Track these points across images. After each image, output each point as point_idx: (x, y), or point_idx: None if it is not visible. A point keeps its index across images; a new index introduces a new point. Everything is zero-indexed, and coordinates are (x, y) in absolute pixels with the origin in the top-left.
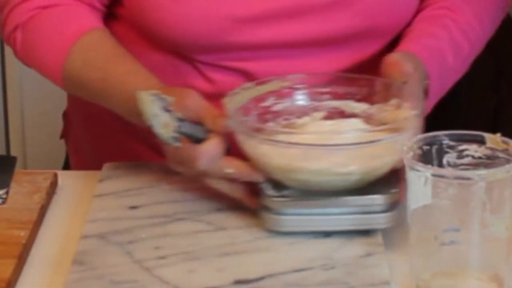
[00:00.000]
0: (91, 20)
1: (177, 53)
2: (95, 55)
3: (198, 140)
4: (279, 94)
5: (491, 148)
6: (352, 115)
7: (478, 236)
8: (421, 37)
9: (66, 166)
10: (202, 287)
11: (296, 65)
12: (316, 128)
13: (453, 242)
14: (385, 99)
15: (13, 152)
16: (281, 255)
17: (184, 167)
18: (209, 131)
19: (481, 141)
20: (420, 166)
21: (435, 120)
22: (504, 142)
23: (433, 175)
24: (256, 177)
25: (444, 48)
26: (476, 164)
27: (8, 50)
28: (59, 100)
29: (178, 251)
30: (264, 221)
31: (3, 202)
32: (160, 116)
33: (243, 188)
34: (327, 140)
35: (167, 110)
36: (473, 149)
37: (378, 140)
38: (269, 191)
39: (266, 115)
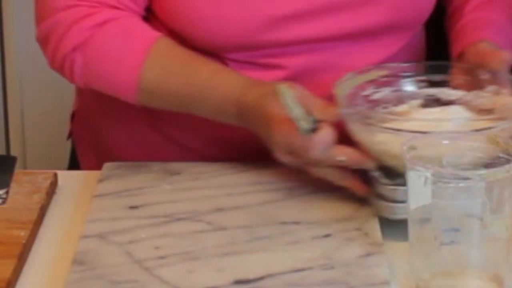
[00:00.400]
0: (151, 29)
1: (207, 52)
2: (172, 63)
3: (307, 130)
4: (377, 83)
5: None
6: (449, 102)
7: (478, 236)
8: (488, 25)
9: (71, 167)
10: (202, 287)
11: (327, 59)
12: (423, 116)
13: (453, 242)
14: (481, 86)
15: (13, 152)
16: (281, 255)
17: (295, 157)
18: (318, 121)
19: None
20: (420, 166)
21: None
22: (504, 142)
23: (433, 175)
24: (368, 164)
25: (509, 31)
26: (476, 164)
27: (8, 50)
28: (59, 100)
29: (178, 251)
30: (379, 209)
31: (3, 202)
32: (298, 109)
33: (352, 176)
34: (433, 128)
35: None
36: None
37: (495, 127)
38: (383, 179)
39: (367, 104)
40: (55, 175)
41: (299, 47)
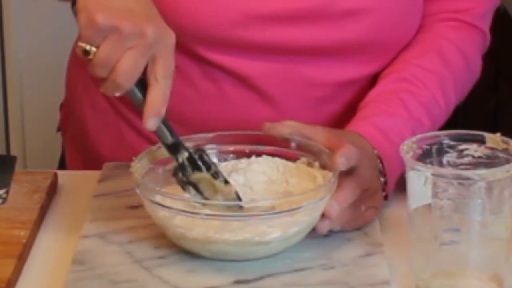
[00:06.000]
0: None
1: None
2: None
3: None
4: None
5: (491, 148)
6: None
7: (478, 236)
8: (375, 116)
9: (62, 160)
10: (202, 287)
11: (296, 72)
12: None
13: (453, 242)
14: (295, 158)
15: (13, 152)
16: (281, 255)
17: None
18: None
19: (481, 141)
20: (420, 165)
21: None
22: (504, 142)
23: (433, 174)
24: None
25: (402, 129)
26: (476, 164)
27: (8, 50)
28: (59, 100)
29: (177, 251)
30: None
31: (3, 202)
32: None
33: None
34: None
35: None
36: (473, 149)
37: (299, 207)
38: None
39: (171, 178)
40: (55, 175)
41: (271, 55)
